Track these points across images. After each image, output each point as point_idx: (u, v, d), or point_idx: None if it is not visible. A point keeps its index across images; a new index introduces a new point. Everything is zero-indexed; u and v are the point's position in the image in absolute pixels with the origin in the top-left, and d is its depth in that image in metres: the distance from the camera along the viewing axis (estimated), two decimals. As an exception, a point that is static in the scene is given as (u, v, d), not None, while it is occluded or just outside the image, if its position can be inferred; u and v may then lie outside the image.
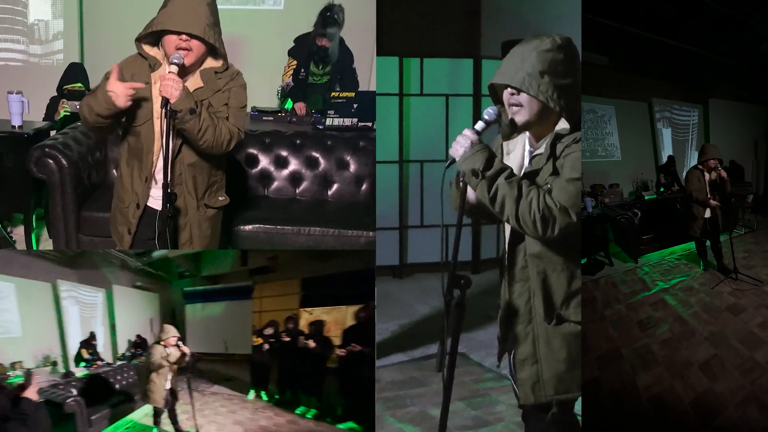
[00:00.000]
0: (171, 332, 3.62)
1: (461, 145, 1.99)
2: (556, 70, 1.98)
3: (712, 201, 5.21)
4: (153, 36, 2.70)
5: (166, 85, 2.53)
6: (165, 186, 2.62)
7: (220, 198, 2.98)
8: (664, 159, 7.59)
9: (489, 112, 2.06)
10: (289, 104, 5.31)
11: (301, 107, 5.16)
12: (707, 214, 5.27)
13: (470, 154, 1.98)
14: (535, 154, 2.10)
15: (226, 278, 5.92)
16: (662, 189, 6.97)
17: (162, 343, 3.59)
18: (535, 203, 1.92)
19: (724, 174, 5.12)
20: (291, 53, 5.32)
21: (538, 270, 2.11)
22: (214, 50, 2.73)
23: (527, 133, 2.12)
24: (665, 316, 4.51)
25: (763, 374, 3.55)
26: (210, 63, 2.77)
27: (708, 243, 5.51)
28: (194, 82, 2.73)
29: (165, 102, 2.53)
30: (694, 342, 4.04)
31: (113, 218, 2.96)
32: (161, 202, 2.70)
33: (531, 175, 2.05)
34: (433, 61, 5.46)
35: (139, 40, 2.72)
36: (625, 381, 3.53)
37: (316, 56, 5.21)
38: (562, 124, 2.04)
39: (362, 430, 3.73)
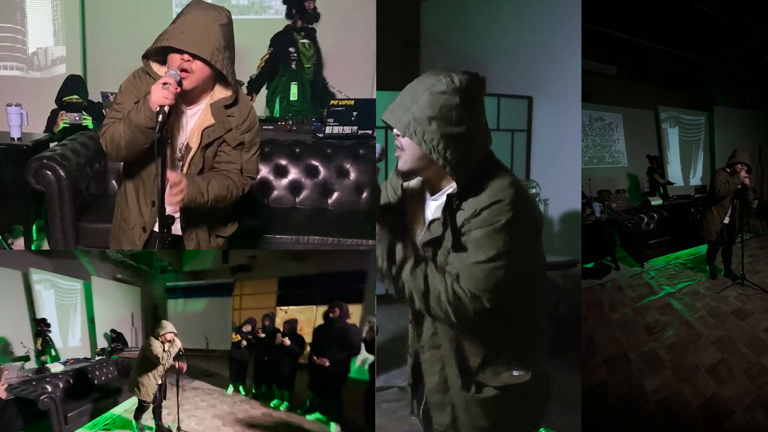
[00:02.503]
0: (168, 328, 3.53)
1: None
2: (448, 117, 1.72)
3: (750, 193, 5.07)
4: (160, 53, 2.46)
5: (169, 195, 2.39)
6: (161, 209, 2.47)
7: (230, 225, 2.83)
8: (670, 161, 7.53)
9: (377, 147, 1.93)
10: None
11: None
12: (726, 219, 5.14)
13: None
14: (432, 218, 1.88)
15: (208, 274, 5.84)
16: (661, 191, 6.89)
17: (160, 338, 3.50)
18: (444, 296, 1.75)
19: (747, 181, 4.97)
20: (272, 42, 5.36)
21: (450, 338, 1.93)
22: (223, 77, 2.47)
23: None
24: (672, 320, 4.43)
25: (771, 379, 3.49)
26: (219, 94, 2.53)
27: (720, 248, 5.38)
28: (205, 118, 2.52)
29: (163, 119, 2.33)
30: (700, 346, 3.96)
31: (115, 237, 2.77)
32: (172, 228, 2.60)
33: (432, 243, 1.85)
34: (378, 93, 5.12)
35: (147, 57, 2.49)
36: (633, 385, 3.46)
37: (307, 25, 5.28)
38: (454, 184, 1.79)
39: (327, 420, 3.79)
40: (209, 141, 2.53)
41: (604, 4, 5.27)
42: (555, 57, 5.08)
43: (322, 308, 4.20)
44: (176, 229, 2.65)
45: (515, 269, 1.76)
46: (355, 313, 4.16)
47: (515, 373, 1.93)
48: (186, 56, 2.37)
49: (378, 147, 1.93)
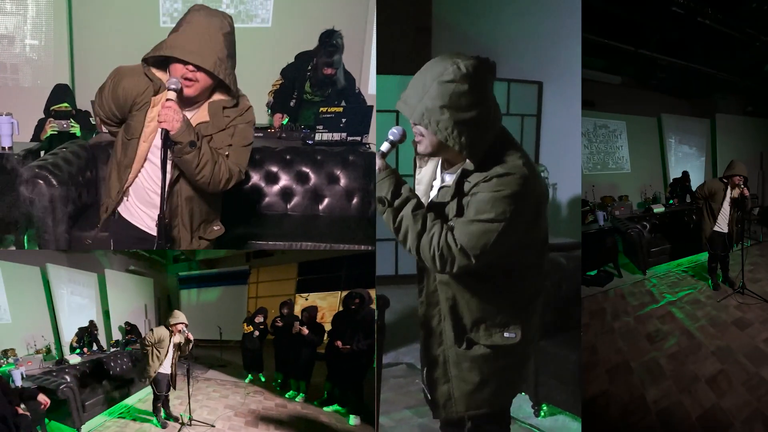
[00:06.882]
0: (180, 318, 3.54)
1: None
2: (458, 104, 1.79)
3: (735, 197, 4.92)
4: (160, 59, 2.43)
5: (165, 114, 2.32)
6: (161, 218, 2.46)
7: (215, 228, 2.76)
8: (672, 170, 7.45)
9: (393, 132, 1.95)
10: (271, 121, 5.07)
11: (277, 118, 4.90)
12: (725, 229, 5.05)
13: (377, 180, 1.90)
14: (442, 185, 1.99)
15: (223, 262, 5.73)
16: (671, 201, 6.82)
17: (170, 328, 3.51)
18: (435, 240, 1.83)
19: (747, 192, 4.88)
20: (282, 72, 5.04)
21: (447, 296, 2.04)
22: (224, 83, 2.46)
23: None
24: (673, 329, 4.37)
25: (770, 390, 3.42)
26: (219, 96, 2.52)
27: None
28: (200, 115, 2.51)
29: (165, 132, 2.35)
30: (701, 356, 3.90)
31: None
32: (142, 219, 2.61)
33: (437, 207, 1.96)
34: (384, 77, 4.99)
35: (146, 60, 2.46)
36: (634, 394, 3.41)
37: (320, 83, 4.93)
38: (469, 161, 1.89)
39: (345, 412, 3.73)
40: (200, 134, 2.47)
41: (609, 18, 5.22)
42: (563, 44, 5.04)
43: (343, 294, 4.08)
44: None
45: (510, 238, 1.83)
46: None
47: (506, 334, 2.03)
48: (190, 66, 2.37)
49: (399, 129, 1.96)
